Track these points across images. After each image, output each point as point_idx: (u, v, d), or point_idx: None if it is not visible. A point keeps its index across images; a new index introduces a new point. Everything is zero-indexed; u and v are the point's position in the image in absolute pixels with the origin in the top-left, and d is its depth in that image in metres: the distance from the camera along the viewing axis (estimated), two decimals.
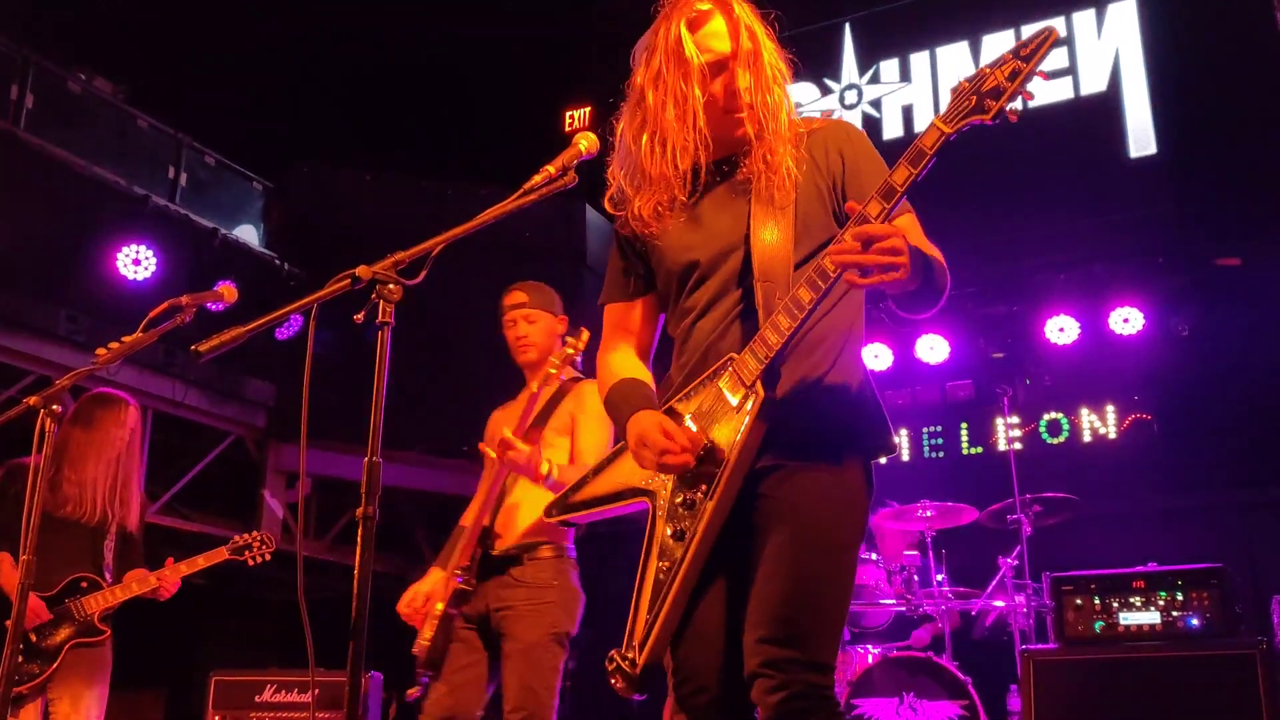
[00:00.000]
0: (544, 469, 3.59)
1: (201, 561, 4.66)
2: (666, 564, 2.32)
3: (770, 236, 2.37)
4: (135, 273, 7.07)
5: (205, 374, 7.81)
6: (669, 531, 2.35)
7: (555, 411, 3.90)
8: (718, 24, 2.45)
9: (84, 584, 4.49)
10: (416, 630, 3.76)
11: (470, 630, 3.76)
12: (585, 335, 3.76)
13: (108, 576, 4.57)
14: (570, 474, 3.51)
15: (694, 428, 2.34)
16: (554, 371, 3.73)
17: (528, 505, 3.80)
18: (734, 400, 2.30)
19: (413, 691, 3.82)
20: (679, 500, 2.36)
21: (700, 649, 2.34)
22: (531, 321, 4.00)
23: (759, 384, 2.26)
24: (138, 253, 7.09)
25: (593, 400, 3.74)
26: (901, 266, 2.09)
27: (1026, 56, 2.16)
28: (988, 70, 2.19)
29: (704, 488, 2.30)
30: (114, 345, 3.04)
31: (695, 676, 2.34)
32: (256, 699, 6.14)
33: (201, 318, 3.25)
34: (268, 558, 4.76)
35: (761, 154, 2.41)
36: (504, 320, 4.06)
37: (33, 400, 2.88)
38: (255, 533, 4.81)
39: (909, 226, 2.37)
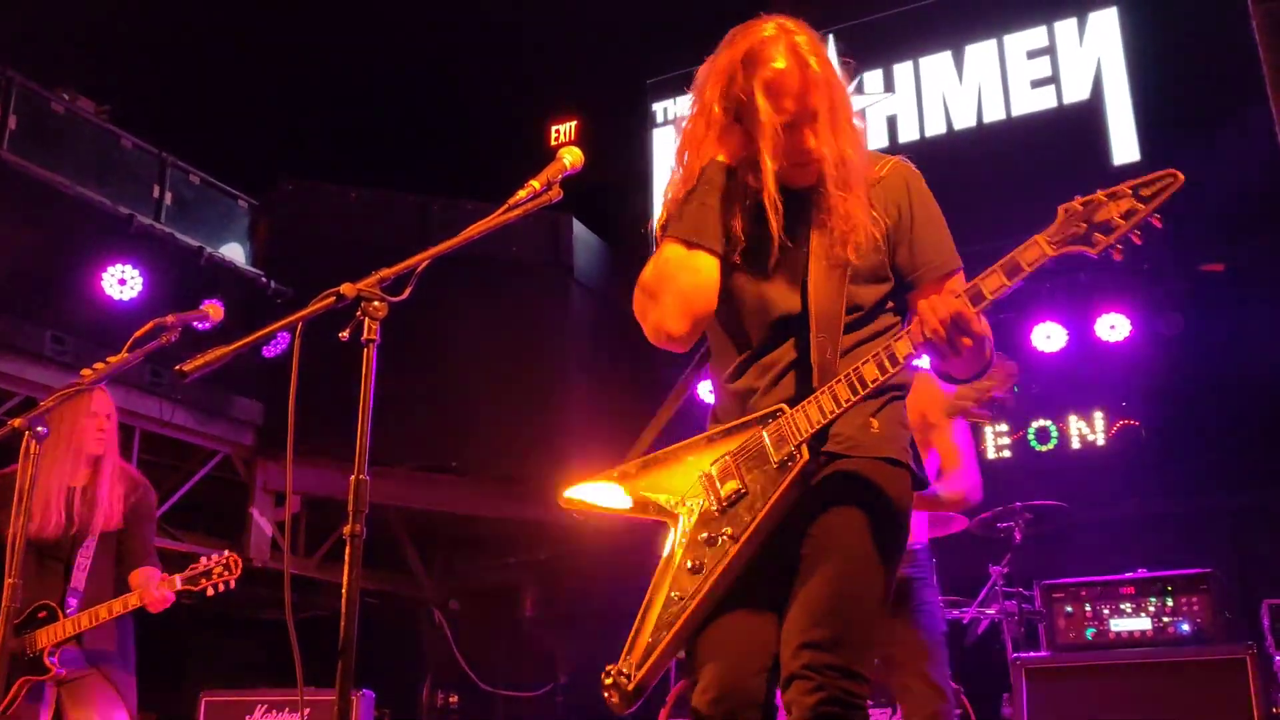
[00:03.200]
0: None
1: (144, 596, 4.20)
2: (678, 594, 2.34)
3: (827, 286, 2.37)
4: (121, 292, 7.05)
5: (192, 393, 7.77)
6: (688, 563, 2.35)
7: None
8: (787, 70, 2.35)
9: (41, 614, 4.15)
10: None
11: None
12: None
13: (71, 602, 4.22)
14: None
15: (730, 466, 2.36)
16: None
17: None
18: (776, 457, 2.32)
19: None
20: (702, 535, 2.35)
21: (732, 665, 2.35)
22: None
23: (804, 447, 2.28)
24: (123, 272, 7.07)
25: None
26: (966, 349, 2.18)
27: (1147, 197, 2.10)
28: (1103, 199, 2.13)
29: (729, 530, 2.31)
30: (99, 365, 3.03)
31: (727, 694, 2.34)
32: (247, 718, 6.12)
33: (187, 337, 3.24)
34: (231, 585, 4.29)
35: (831, 204, 2.39)
36: None
37: (17, 422, 2.87)
38: (217, 555, 4.32)
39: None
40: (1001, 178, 7.93)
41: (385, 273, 2.52)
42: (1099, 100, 7.84)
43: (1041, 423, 7.75)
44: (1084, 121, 7.86)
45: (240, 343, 2.40)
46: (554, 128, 9.77)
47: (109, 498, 4.32)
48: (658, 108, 9.40)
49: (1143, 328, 7.44)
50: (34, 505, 3.85)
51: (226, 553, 4.34)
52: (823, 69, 2.39)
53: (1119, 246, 2.10)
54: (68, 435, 4.22)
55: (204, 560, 4.31)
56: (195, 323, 3.25)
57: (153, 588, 4.20)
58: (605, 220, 9.07)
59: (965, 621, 6.13)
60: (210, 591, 4.27)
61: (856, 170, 2.41)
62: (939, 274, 2.48)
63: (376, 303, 2.37)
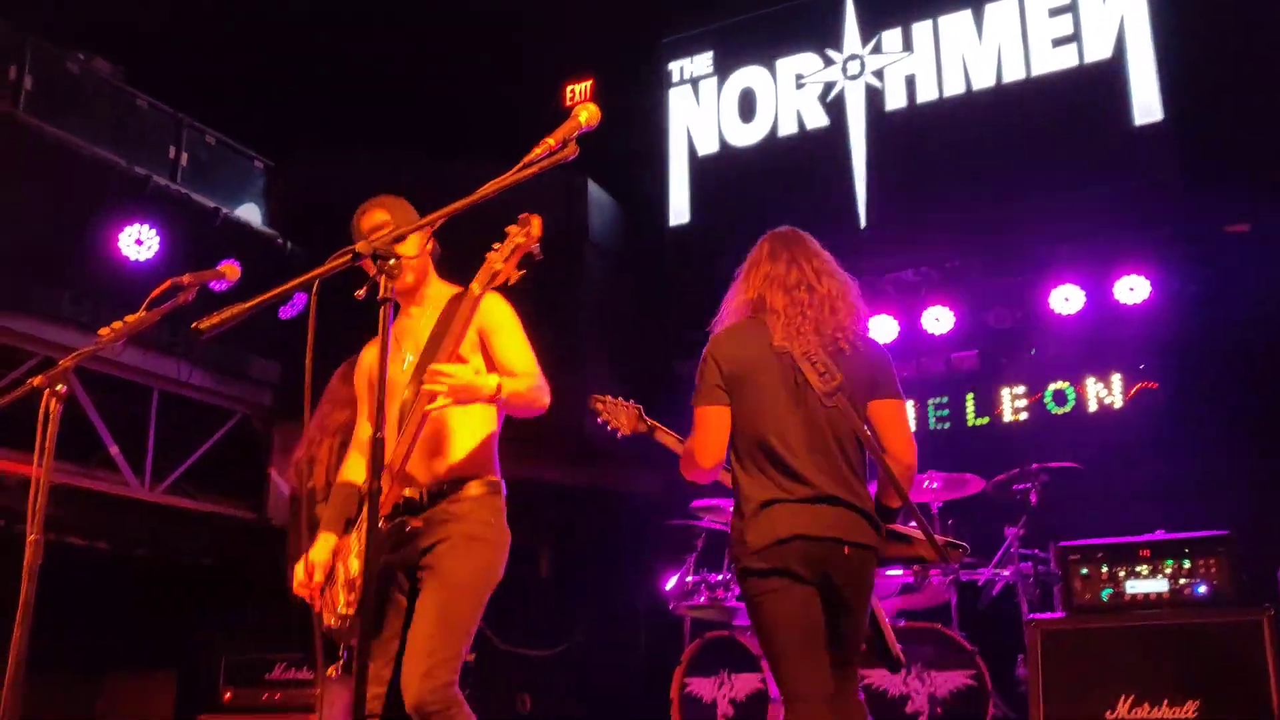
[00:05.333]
0: (493, 384, 3.21)
1: None
2: None
3: None
4: (138, 253, 7.06)
5: (210, 354, 7.81)
6: None
7: (454, 332, 3.31)
8: None
9: None
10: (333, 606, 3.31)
11: (401, 593, 3.32)
12: (537, 222, 3.22)
13: None
14: (517, 385, 3.28)
15: None
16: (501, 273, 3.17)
17: (450, 437, 3.38)
18: None
19: (334, 670, 3.51)
20: None
21: None
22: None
23: None
24: (140, 233, 7.08)
25: (497, 310, 3.45)
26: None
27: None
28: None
29: None
30: (117, 325, 3.04)
31: None
32: (267, 676, 6.20)
33: (204, 297, 3.25)
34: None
35: None
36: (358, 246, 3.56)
37: (36, 381, 2.88)
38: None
39: None
40: (1021, 139, 7.85)
41: (400, 231, 2.51)
42: (1121, 59, 7.74)
43: (1058, 385, 7.71)
44: (1106, 81, 7.75)
45: (256, 300, 2.40)
46: (569, 87, 9.70)
47: None
48: (673, 67, 9.32)
49: (1163, 289, 7.38)
50: None
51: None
52: None
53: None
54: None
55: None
56: (212, 282, 3.25)
57: None
58: (620, 181, 9.02)
59: (980, 583, 6.14)
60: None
61: None
62: None
63: (392, 261, 2.37)
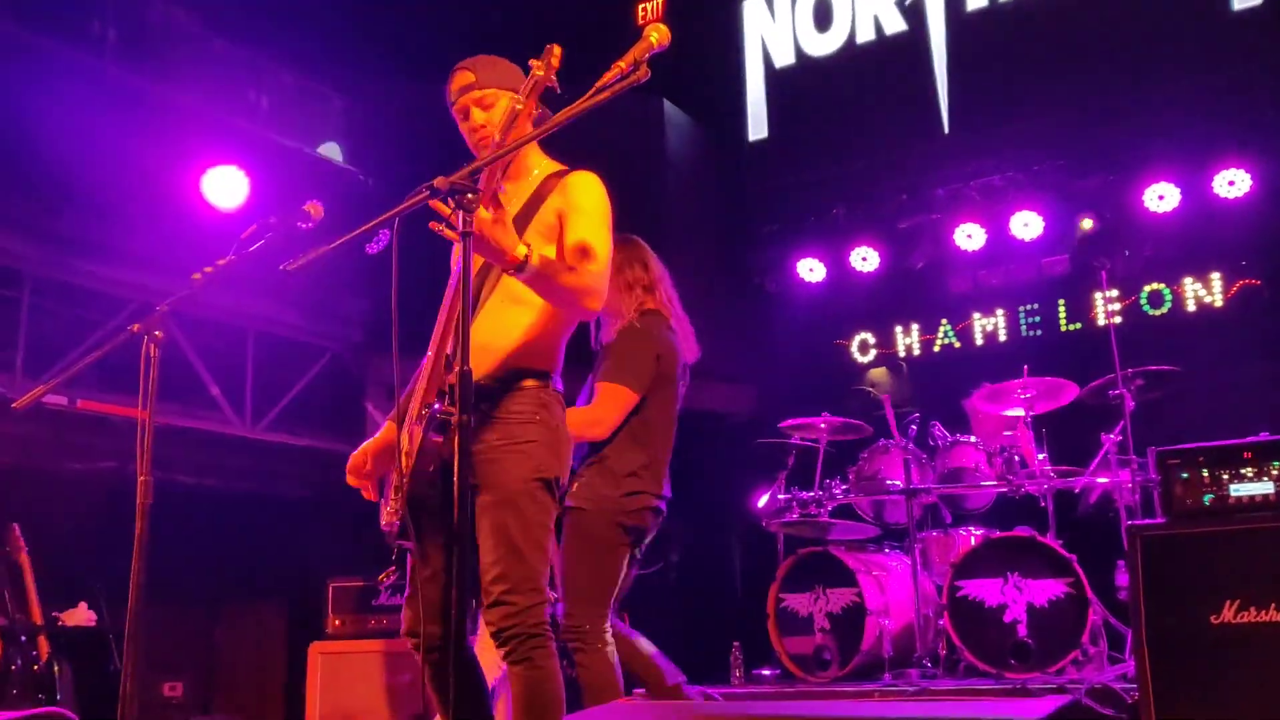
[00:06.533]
0: (520, 250, 2.76)
1: None
2: None
3: None
4: (226, 196, 7.17)
5: (301, 292, 7.95)
6: None
7: (536, 213, 3.09)
8: None
9: None
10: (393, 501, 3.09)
11: (437, 492, 2.94)
12: (558, 51, 2.84)
13: None
14: (557, 268, 2.88)
15: None
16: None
17: (499, 324, 3.08)
18: None
19: (388, 576, 3.28)
20: None
21: None
22: (488, 106, 3.16)
23: None
24: (227, 175, 7.19)
25: (583, 192, 3.10)
26: None
27: None
28: None
29: None
30: (208, 269, 3.12)
31: None
32: (373, 603, 6.40)
33: (292, 236, 3.30)
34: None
35: None
36: (454, 111, 3.25)
37: (135, 328, 2.97)
38: None
39: None
40: (1109, 31, 7.56)
41: (475, 164, 2.52)
42: None
43: (1154, 286, 7.50)
44: None
45: (339, 240, 2.44)
46: (641, 5, 9.56)
47: None
48: None
49: (1265, 182, 7.09)
50: None
51: None
52: None
53: None
54: None
55: None
56: (298, 223, 3.30)
57: None
58: (696, 99, 8.91)
59: (1077, 491, 6.07)
60: None
61: None
62: None
63: (469, 195, 2.38)
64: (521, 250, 2.76)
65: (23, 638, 5.67)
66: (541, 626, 2.92)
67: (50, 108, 6.42)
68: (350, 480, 3.22)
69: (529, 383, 3.05)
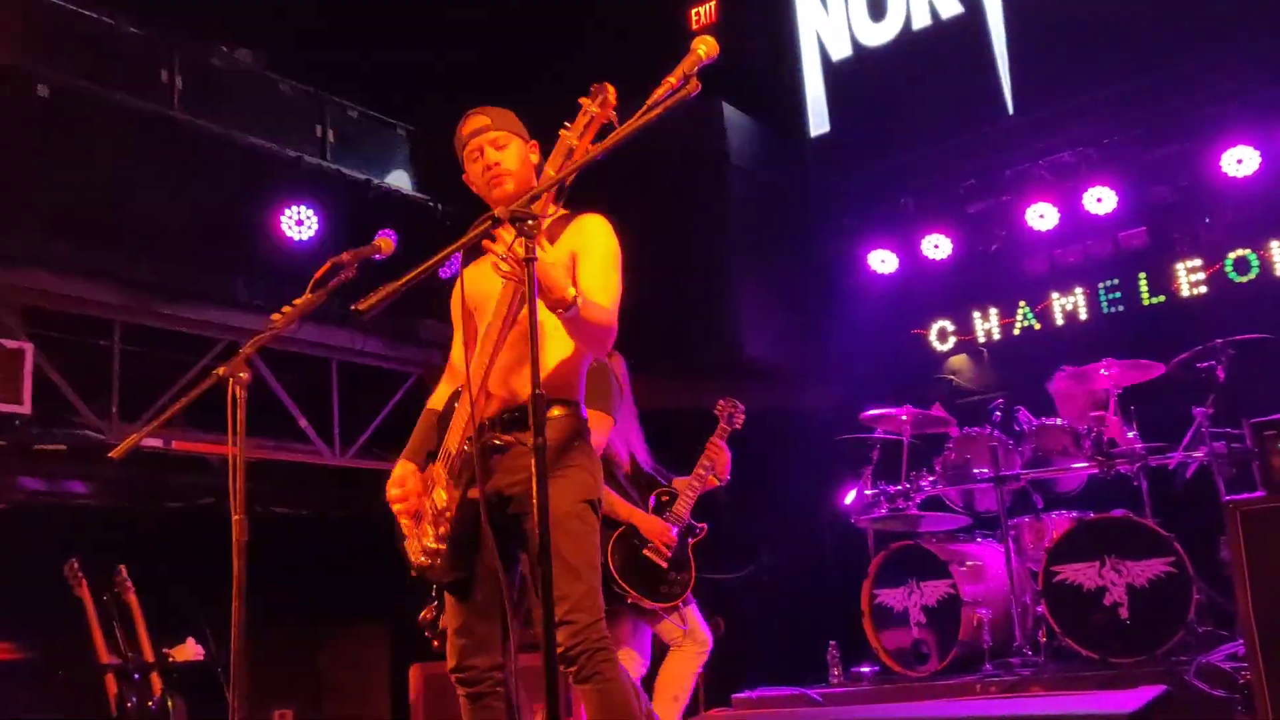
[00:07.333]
0: (570, 292, 2.87)
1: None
2: None
3: None
4: (299, 233, 7.34)
5: (381, 320, 8.09)
6: None
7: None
8: None
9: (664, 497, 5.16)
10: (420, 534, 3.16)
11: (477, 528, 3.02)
12: (611, 91, 2.96)
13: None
14: (593, 311, 2.97)
15: None
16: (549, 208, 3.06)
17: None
18: None
19: (428, 612, 3.39)
20: None
21: None
22: (501, 146, 3.29)
23: None
24: (299, 213, 7.35)
25: (597, 234, 3.23)
26: None
27: None
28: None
29: None
30: (287, 309, 3.20)
31: None
32: None
33: (365, 267, 3.37)
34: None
35: None
36: (465, 153, 3.36)
37: (220, 371, 3.06)
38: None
39: None
40: None
41: (535, 189, 2.56)
42: None
43: (1239, 252, 7.28)
44: None
45: (409, 276, 2.50)
46: (694, 11, 9.56)
47: None
48: None
49: None
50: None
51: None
52: None
53: None
54: None
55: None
56: (370, 256, 3.37)
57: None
58: (755, 98, 8.88)
59: (1171, 467, 5.94)
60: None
61: None
62: None
63: (530, 222, 2.42)
64: (571, 292, 2.89)
65: (136, 675, 5.86)
66: (604, 640, 3.00)
67: (125, 159, 6.63)
68: (392, 506, 3.27)
69: (560, 410, 3.17)
